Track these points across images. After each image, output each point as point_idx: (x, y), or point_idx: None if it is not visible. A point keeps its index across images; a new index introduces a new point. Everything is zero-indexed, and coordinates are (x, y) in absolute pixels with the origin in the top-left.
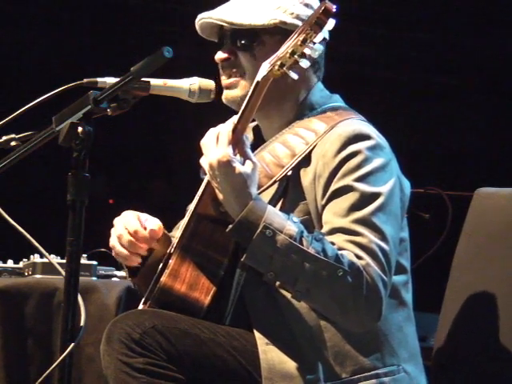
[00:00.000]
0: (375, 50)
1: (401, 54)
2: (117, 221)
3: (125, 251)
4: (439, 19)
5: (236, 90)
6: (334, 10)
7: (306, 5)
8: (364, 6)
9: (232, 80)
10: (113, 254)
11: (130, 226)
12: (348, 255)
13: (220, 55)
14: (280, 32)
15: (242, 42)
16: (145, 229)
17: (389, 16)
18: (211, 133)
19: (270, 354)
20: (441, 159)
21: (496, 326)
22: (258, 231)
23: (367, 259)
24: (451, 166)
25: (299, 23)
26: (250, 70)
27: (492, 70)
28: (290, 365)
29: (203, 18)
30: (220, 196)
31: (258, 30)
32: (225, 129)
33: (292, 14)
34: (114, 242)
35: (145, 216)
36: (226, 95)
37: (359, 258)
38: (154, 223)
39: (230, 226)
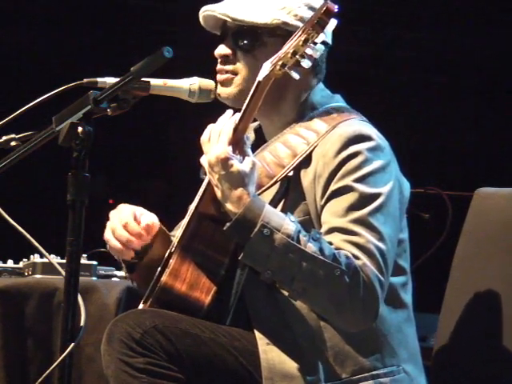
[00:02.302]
0: (375, 49)
1: (401, 54)
2: (112, 214)
3: (118, 245)
4: (439, 19)
5: (230, 87)
6: (336, 11)
7: (311, 8)
8: (364, 5)
9: (226, 76)
10: (107, 247)
11: (123, 219)
12: (345, 255)
13: (220, 51)
14: (282, 33)
15: (244, 41)
16: (139, 223)
17: (389, 15)
18: (210, 129)
19: (270, 354)
20: (441, 159)
21: (496, 326)
22: (256, 230)
23: (364, 259)
24: (451, 165)
25: (300, 24)
26: (248, 69)
27: (492, 70)
28: (291, 365)
29: (207, 10)
30: (218, 194)
31: (260, 31)
32: (226, 127)
33: (296, 15)
34: (108, 235)
35: (140, 210)
36: (220, 91)
37: (356, 257)
38: (149, 218)
39: (228, 224)
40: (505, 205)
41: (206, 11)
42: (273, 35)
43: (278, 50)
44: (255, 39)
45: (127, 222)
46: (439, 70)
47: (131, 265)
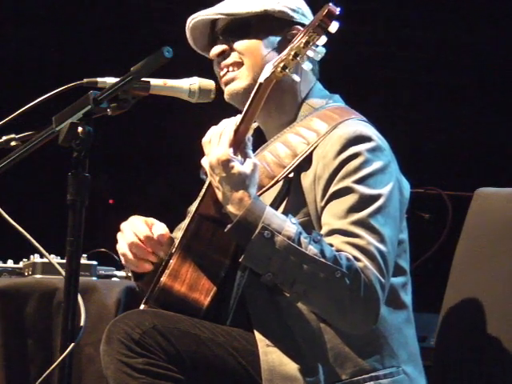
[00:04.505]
0: (375, 49)
1: (401, 54)
2: (124, 227)
3: (136, 259)
4: (439, 19)
5: (237, 82)
6: (338, 13)
7: None
8: (364, 4)
9: (230, 74)
10: (122, 261)
11: (141, 232)
12: (346, 257)
13: (215, 50)
14: (273, 20)
15: (236, 31)
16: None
17: (389, 15)
18: (212, 131)
19: (270, 356)
20: (441, 159)
21: (496, 326)
22: (257, 232)
23: (365, 261)
24: (451, 165)
25: (288, 11)
26: (250, 53)
27: (492, 69)
28: (291, 366)
29: (193, 19)
30: (219, 195)
31: (250, 19)
32: (227, 129)
33: (279, 3)
34: (124, 249)
35: (151, 221)
36: (228, 90)
37: (357, 259)
38: (161, 228)
39: (229, 226)
40: (505, 205)
41: (191, 21)
42: (264, 22)
43: (273, 33)
44: (247, 24)
45: (147, 236)
46: (439, 70)
47: (139, 273)
